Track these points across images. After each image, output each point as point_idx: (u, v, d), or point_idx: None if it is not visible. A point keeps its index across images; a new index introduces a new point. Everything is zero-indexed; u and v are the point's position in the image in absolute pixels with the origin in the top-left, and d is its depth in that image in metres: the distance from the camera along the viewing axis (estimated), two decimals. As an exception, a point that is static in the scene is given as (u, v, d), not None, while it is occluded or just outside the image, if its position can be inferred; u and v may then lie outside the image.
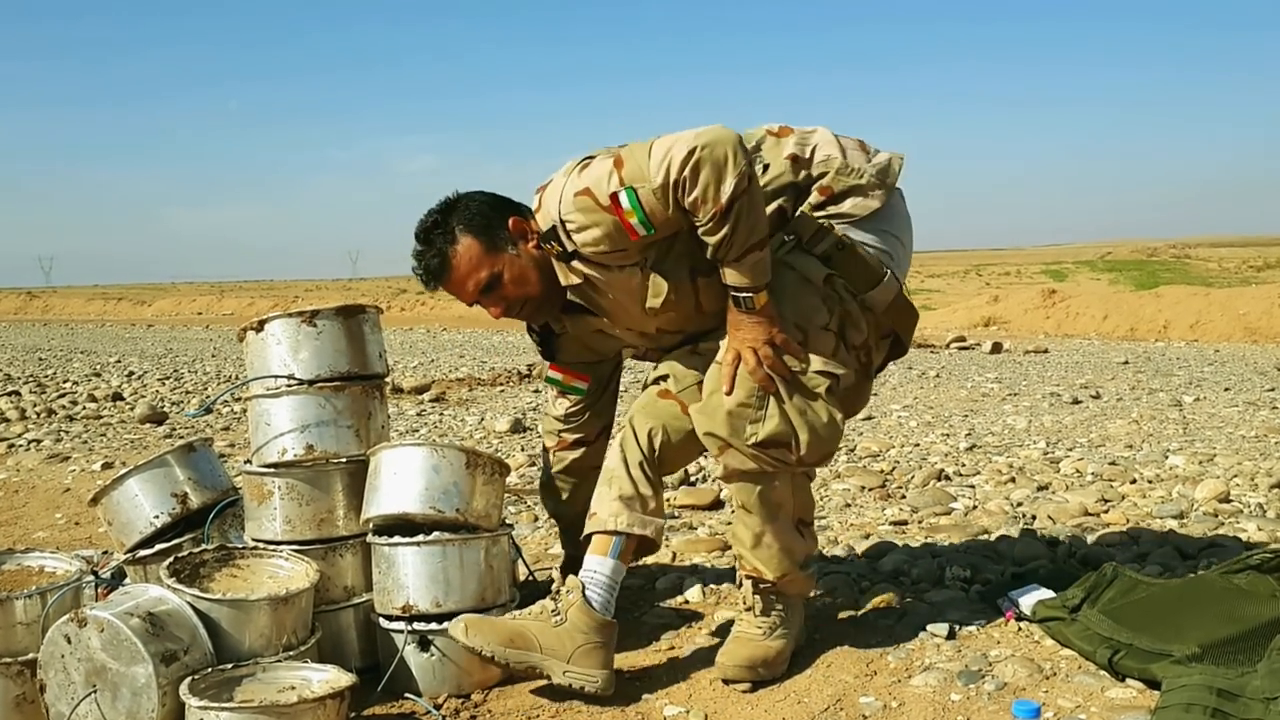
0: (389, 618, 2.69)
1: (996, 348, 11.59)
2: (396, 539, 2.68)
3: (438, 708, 2.58)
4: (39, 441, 6.49)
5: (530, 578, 3.26)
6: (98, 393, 8.79)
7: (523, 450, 5.74)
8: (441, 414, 7.29)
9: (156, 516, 2.95)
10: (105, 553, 3.87)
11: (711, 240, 2.41)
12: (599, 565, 2.62)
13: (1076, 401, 7.04)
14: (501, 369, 10.13)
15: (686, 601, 3.12)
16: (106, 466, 5.63)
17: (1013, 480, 4.54)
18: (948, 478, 4.66)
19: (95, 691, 2.41)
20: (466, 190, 2.71)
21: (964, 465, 4.94)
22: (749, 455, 2.48)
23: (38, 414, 7.69)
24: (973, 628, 2.75)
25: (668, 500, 4.39)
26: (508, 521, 2.93)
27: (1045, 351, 11.75)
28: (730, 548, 3.60)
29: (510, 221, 2.62)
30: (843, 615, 2.93)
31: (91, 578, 2.86)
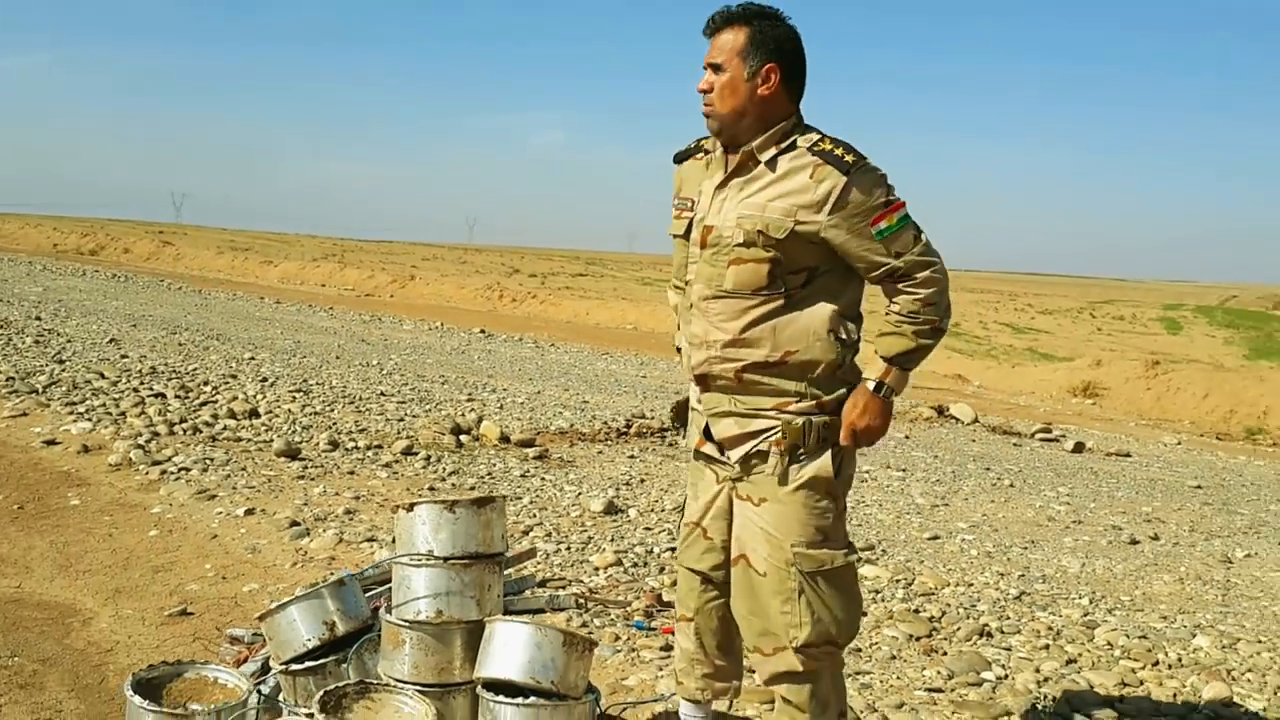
0: (489, 759, 3.34)
1: (1079, 447, 11.92)
2: (501, 698, 3.32)
3: (521, 841, 3.22)
4: (188, 470, 7.30)
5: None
6: (236, 407, 9.62)
7: (612, 541, 6.37)
8: (543, 478, 7.95)
9: (308, 640, 3.63)
10: (256, 634, 4.57)
11: (913, 341, 3.03)
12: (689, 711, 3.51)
13: (1134, 542, 7.47)
14: (601, 421, 10.77)
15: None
16: (249, 513, 6.39)
17: (1046, 648, 5.04)
18: (990, 635, 5.18)
19: (259, 805, 3.09)
20: (792, 25, 3.07)
21: (1008, 619, 5.45)
22: (793, 658, 3.06)
23: (184, 430, 8.52)
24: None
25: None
26: (593, 686, 3.55)
27: (1128, 455, 12.04)
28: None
29: (770, 64, 3.03)
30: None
31: (256, 695, 3.55)
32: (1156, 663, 4.95)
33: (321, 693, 3.32)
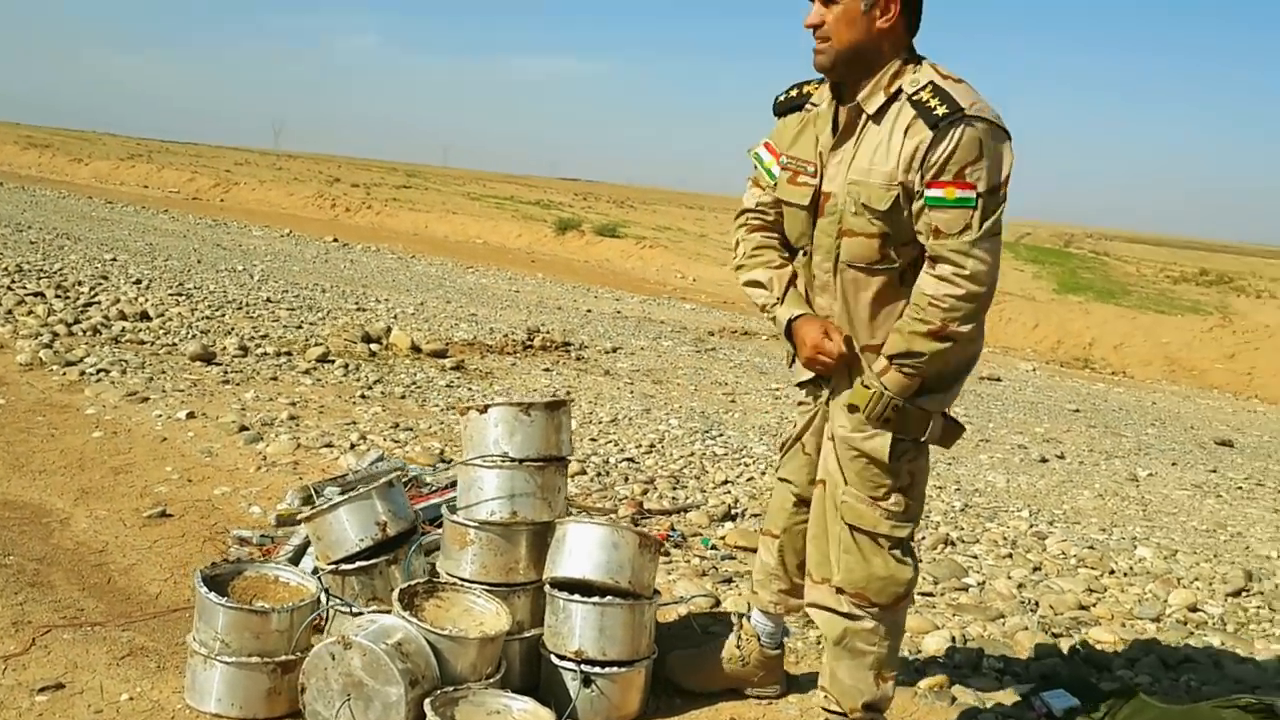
0: (561, 657, 3.37)
1: (954, 372, 12.45)
2: (577, 597, 3.35)
3: (595, 734, 3.29)
4: (107, 371, 7.00)
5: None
6: (125, 309, 9.23)
7: (566, 451, 6.39)
8: (469, 389, 7.90)
9: (362, 539, 3.56)
10: (264, 535, 4.47)
11: (903, 337, 2.78)
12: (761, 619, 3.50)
13: (1044, 460, 7.92)
14: (501, 334, 10.72)
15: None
16: (190, 416, 6.18)
17: (1009, 557, 5.33)
18: (953, 544, 5.43)
19: (350, 700, 3.06)
20: None
21: (963, 529, 5.72)
22: (831, 595, 3.04)
23: (83, 332, 8.14)
24: (1013, 720, 3.51)
25: (720, 539, 5.11)
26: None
27: (998, 380, 12.63)
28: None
29: None
30: (903, 692, 3.65)
31: (325, 594, 3.49)
32: (1112, 571, 5.29)
33: (398, 590, 3.31)
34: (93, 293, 10.11)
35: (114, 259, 13.11)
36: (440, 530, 3.84)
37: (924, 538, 5.45)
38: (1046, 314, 21.40)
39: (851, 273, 2.91)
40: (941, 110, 2.68)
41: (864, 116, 2.86)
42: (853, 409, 2.92)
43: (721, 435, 7.34)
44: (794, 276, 3.12)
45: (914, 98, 2.75)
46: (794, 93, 3.13)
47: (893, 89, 2.81)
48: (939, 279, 2.73)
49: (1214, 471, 8.46)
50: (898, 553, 2.97)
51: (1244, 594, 5.12)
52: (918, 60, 2.86)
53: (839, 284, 2.96)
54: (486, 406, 3.52)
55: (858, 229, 2.84)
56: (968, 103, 2.69)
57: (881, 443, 2.89)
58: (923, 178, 2.71)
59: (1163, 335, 20.56)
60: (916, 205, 2.74)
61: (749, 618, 3.56)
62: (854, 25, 2.79)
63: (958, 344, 2.78)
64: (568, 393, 8.19)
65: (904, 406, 2.86)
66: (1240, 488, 7.96)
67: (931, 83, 2.75)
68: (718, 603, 4.33)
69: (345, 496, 3.63)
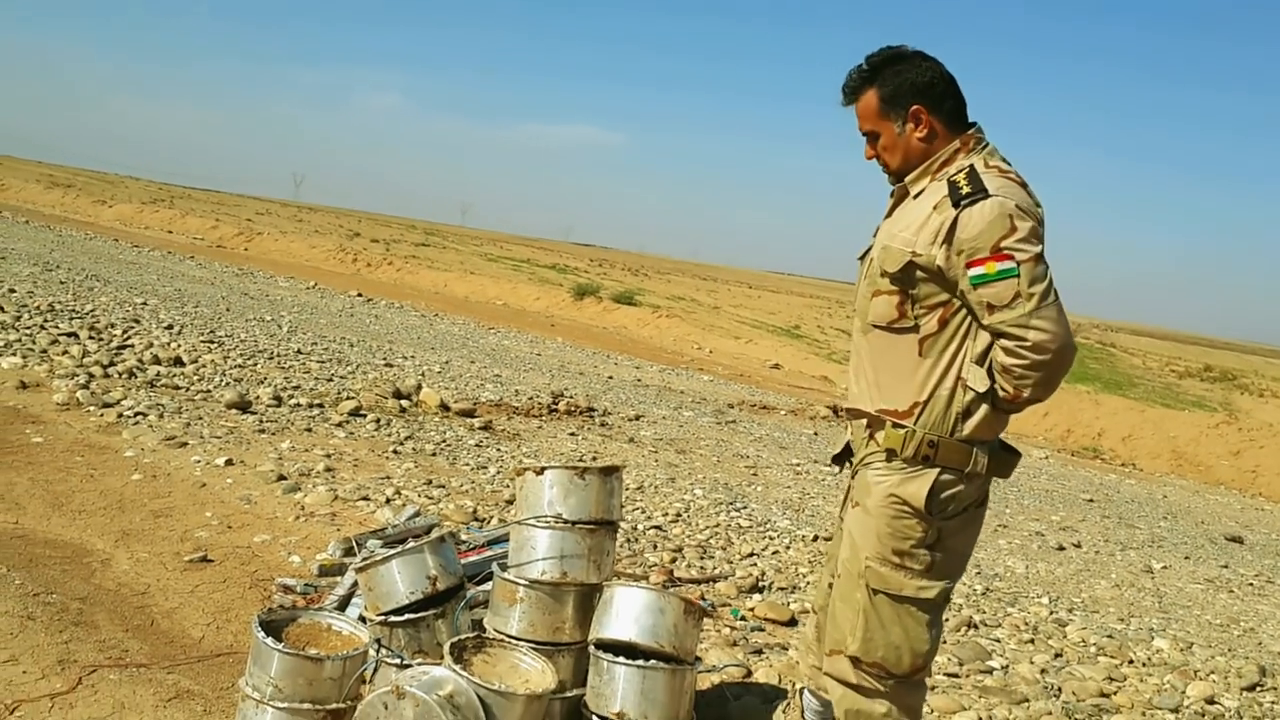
0: (603, 718, 3.46)
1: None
2: (622, 659, 3.45)
3: (634, 796, 3.37)
4: (144, 415, 7.13)
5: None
6: (160, 353, 9.39)
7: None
8: (498, 449, 8.02)
9: (413, 593, 3.68)
10: (308, 584, 4.58)
11: (1010, 395, 2.85)
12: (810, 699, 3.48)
13: (1061, 548, 8.01)
14: (526, 397, 10.86)
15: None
16: (229, 464, 6.31)
17: (1032, 642, 5.41)
18: (975, 626, 5.52)
19: (400, 749, 3.15)
20: (921, 54, 3.04)
21: (985, 612, 5.81)
22: (847, 667, 3.05)
23: (119, 374, 8.29)
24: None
25: (749, 610, 5.20)
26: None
27: (1014, 466, 12.73)
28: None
29: (914, 107, 2.97)
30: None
31: (377, 644, 3.59)
32: (1131, 660, 5.37)
33: (450, 643, 3.41)
34: (125, 336, 10.29)
35: (144, 303, 13.32)
36: (480, 587, 3.96)
37: (948, 619, 5.53)
38: (1057, 402, 21.48)
39: (875, 333, 3.04)
40: (966, 189, 2.82)
41: (908, 195, 3.05)
42: (890, 454, 2.97)
43: (745, 508, 7.44)
44: None
45: (952, 178, 2.89)
46: None
47: (940, 174, 2.97)
48: (1006, 352, 2.81)
49: (1225, 567, 8.55)
50: (927, 618, 2.98)
51: (1258, 689, 5.20)
52: (979, 146, 3.00)
53: (865, 346, 3.09)
54: (543, 468, 3.64)
55: (882, 289, 2.98)
56: (995, 186, 2.80)
57: (921, 485, 2.91)
58: (950, 256, 2.82)
59: (1170, 429, 20.69)
60: (961, 284, 2.83)
61: (802, 694, 3.61)
62: (898, 148, 3.05)
63: (1022, 407, 2.93)
64: (594, 458, 8.31)
65: (940, 440, 2.92)
66: (1251, 584, 8.05)
67: (971, 167, 2.89)
68: (749, 673, 4.42)
69: (399, 550, 3.75)
